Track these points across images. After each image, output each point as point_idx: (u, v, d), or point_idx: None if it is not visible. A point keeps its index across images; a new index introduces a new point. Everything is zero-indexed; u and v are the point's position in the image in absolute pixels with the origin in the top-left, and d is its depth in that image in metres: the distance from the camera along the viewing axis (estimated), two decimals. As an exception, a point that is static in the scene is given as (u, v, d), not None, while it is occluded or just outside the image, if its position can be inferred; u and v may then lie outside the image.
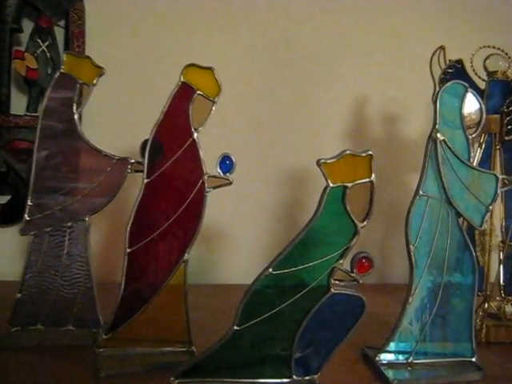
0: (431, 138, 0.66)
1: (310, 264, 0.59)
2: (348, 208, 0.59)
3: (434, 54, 0.88)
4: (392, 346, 0.67)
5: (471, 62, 0.85)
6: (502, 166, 0.80)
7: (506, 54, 0.85)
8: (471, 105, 0.68)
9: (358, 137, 1.14)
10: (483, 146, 0.82)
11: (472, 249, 0.67)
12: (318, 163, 0.58)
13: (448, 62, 0.86)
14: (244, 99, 1.11)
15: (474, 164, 0.81)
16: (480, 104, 0.67)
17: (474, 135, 0.67)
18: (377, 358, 0.67)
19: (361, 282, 0.60)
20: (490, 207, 0.67)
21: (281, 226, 1.13)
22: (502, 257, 0.80)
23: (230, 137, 1.09)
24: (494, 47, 0.85)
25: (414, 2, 1.17)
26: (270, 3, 1.14)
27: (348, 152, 0.58)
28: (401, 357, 0.67)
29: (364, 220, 0.59)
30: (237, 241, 1.11)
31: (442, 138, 0.66)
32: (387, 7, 1.16)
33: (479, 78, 0.85)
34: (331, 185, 0.58)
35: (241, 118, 1.10)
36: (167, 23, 1.10)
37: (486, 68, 0.84)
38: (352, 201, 0.59)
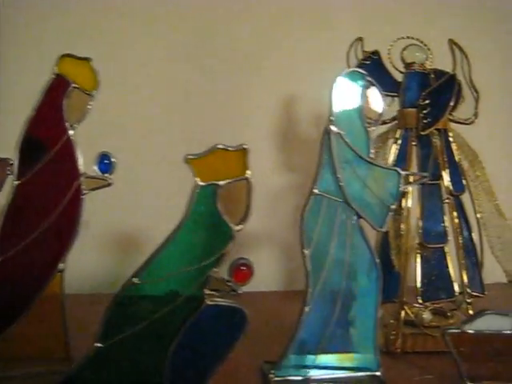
0: (326, 131, 0.60)
1: (180, 272, 0.53)
2: (221, 209, 0.53)
3: (351, 46, 0.82)
4: (288, 360, 0.61)
5: (388, 54, 0.80)
6: (419, 163, 0.75)
7: (425, 45, 0.80)
8: (373, 95, 0.62)
9: (288, 137, 1.08)
10: (399, 142, 0.76)
11: (374, 253, 0.61)
12: (185, 159, 0.52)
13: (364, 53, 0.80)
14: (166, 102, 1.05)
15: (390, 161, 0.76)
16: (380, 95, 0.62)
17: (373, 128, 0.61)
18: (270, 375, 0.61)
19: (240, 292, 0.54)
20: (393, 207, 0.61)
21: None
22: (419, 260, 0.74)
23: (156, 140, 1.03)
24: (413, 38, 0.80)
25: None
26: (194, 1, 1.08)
27: (219, 146, 0.52)
28: (298, 372, 0.61)
29: (241, 222, 0.53)
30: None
31: (336, 131, 0.60)
32: (314, 2, 1.11)
33: (397, 70, 0.80)
34: (200, 183, 0.52)
35: (163, 121, 1.04)
36: (84, 20, 1.03)
37: (403, 59, 0.79)
38: (226, 201, 0.53)
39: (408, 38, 0.80)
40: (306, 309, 0.61)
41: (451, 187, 0.75)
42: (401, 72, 0.79)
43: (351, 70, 0.61)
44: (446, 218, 0.75)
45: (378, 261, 0.62)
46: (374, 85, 0.62)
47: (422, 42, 0.80)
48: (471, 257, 0.76)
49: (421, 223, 0.74)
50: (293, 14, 1.09)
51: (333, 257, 0.61)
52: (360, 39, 0.82)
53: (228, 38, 1.07)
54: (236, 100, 1.07)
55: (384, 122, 0.79)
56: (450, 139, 0.77)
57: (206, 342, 0.55)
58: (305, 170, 1.06)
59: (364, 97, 0.62)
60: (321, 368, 0.62)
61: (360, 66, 0.78)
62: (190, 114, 1.06)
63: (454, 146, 0.77)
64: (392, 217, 0.70)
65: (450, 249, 0.75)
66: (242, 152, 0.53)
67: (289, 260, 1.10)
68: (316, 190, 0.61)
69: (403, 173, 0.61)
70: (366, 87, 0.62)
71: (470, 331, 0.59)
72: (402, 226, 0.73)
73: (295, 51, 1.08)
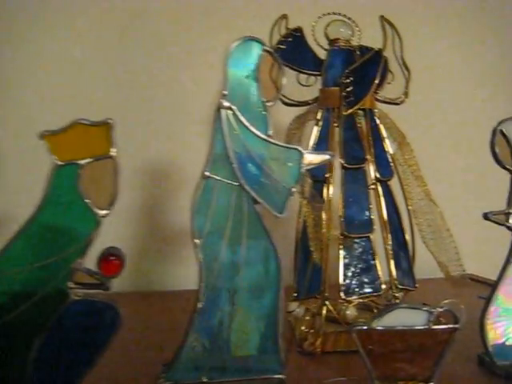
0: (218, 107, 0.54)
1: (40, 264, 0.47)
2: (83, 192, 0.47)
3: (275, 24, 0.76)
4: (181, 362, 0.55)
5: (312, 31, 0.74)
6: (342, 146, 0.69)
7: (354, 21, 0.74)
8: (271, 67, 0.56)
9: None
10: (320, 124, 0.70)
11: (273, 242, 0.55)
12: (40, 135, 0.46)
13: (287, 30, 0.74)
14: (95, 91, 0.99)
15: (310, 144, 0.70)
16: (279, 66, 0.56)
17: (271, 103, 0.56)
18: (160, 379, 0.54)
19: (109, 285, 0.48)
20: (294, 189, 0.55)
21: (140, 230, 1.01)
22: (341, 252, 0.68)
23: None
24: (340, 14, 0.74)
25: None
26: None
27: (79, 121, 0.46)
28: (191, 375, 0.55)
29: (108, 207, 0.47)
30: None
31: (227, 105, 0.54)
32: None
33: (322, 47, 0.74)
34: (59, 163, 0.46)
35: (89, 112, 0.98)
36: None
37: (326, 36, 0.73)
38: (89, 183, 0.47)
39: (334, 14, 0.75)
40: (199, 305, 0.55)
41: (377, 172, 0.69)
42: (325, 49, 0.73)
43: (246, 38, 0.55)
44: (372, 206, 0.69)
45: (276, 251, 0.55)
46: (272, 55, 0.56)
47: (348, 18, 0.74)
48: (401, 247, 0.70)
49: (343, 211, 0.68)
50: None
51: (228, 247, 0.55)
52: (284, 16, 0.76)
53: (158, 30, 1.01)
54: (167, 92, 1.01)
55: (307, 103, 0.74)
56: (377, 120, 0.71)
57: (74, 343, 0.48)
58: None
59: (262, 69, 0.56)
60: (217, 371, 0.55)
61: (280, 43, 0.73)
62: (117, 105, 1.00)
63: (381, 128, 0.71)
64: (310, 204, 0.65)
65: (378, 239, 0.69)
66: (106, 127, 0.47)
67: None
68: (207, 173, 0.55)
69: (305, 152, 0.55)
70: (264, 58, 0.56)
71: (379, 328, 0.53)
72: (324, 215, 0.67)
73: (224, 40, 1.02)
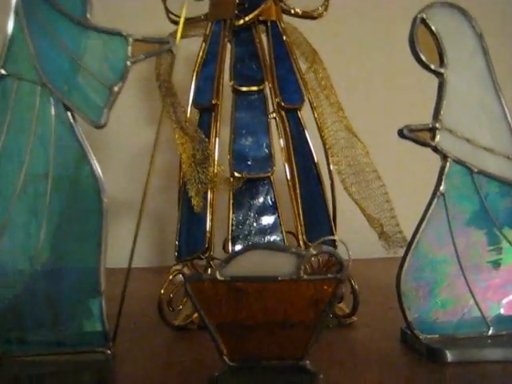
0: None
1: None
2: None
3: None
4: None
5: None
6: (235, 64, 0.54)
7: None
8: None
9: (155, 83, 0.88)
10: (209, 39, 0.55)
11: (92, 162, 0.40)
12: None
13: None
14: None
15: (197, 62, 0.55)
16: None
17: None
18: None
19: None
20: (116, 88, 0.40)
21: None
22: (231, 199, 0.52)
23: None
24: None
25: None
26: None
27: None
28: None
29: None
30: None
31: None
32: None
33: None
34: None
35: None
36: None
37: None
38: None
39: None
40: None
41: (281, 97, 0.53)
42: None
43: None
44: (273, 140, 0.53)
45: (99, 174, 0.41)
46: None
47: None
48: (314, 194, 0.54)
49: (231, 146, 0.52)
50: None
51: (29, 168, 0.41)
52: None
53: None
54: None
55: (199, 19, 0.59)
56: (283, 36, 0.56)
57: None
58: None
59: None
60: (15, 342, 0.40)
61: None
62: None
63: (288, 44, 0.55)
64: (190, 137, 0.51)
65: (282, 182, 0.53)
66: None
67: (159, 231, 0.89)
68: (3, 70, 0.41)
69: (132, 38, 0.40)
70: None
71: (221, 278, 0.37)
72: (208, 151, 0.52)
73: None
